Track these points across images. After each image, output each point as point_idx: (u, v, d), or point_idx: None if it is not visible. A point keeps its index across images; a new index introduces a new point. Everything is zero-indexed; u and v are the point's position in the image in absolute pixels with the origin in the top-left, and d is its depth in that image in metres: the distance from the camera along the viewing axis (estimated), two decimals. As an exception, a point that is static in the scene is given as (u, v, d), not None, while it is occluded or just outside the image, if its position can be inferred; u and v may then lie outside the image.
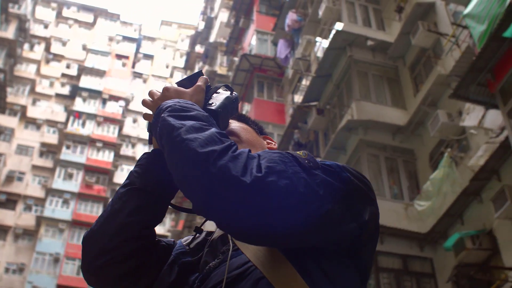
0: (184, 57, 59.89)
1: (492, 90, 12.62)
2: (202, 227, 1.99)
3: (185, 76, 1.95)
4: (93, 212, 51.98)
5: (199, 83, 1.87)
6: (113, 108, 59.90)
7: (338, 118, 20.79)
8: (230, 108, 1.85)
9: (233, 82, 31.79)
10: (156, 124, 1.67)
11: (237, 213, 1.42)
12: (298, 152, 1.59)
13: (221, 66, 40.32)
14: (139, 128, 61.77)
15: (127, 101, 61.78)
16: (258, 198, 1.41)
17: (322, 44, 22.81)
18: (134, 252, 1.79)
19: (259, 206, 1.41)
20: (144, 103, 1.88)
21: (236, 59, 34.64)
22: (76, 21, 66.25)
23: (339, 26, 20.83)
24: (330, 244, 1.56)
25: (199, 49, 50.75)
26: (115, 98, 60.43)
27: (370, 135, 19.03)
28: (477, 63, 12.32)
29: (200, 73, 1.92)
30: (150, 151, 1.92)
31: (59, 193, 51.81)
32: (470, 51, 14.41)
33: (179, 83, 1.89)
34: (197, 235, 1.98)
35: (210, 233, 1.95)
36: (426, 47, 18.52)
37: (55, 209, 50.91)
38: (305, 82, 24.95)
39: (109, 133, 57.99)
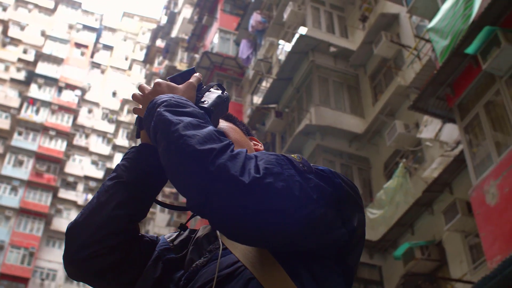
0: (144, 51, 59.32)
1: (450, 105, 12.81)
2: (187, 225, 1.98)
3: (177, 73, 1.93)
4: (42, 201, 51.13)
5: (191, 80, 1.85)
6: (69, 97, 59.02)
7: (296, 122, 20.86)
8: (221, 108, 1.85)
9: (193, 79, 31.58)
10: (149, 118, 1.65)
11: (233, 213, 1.42)
12: (292, 155, 1.60)
13: (181, 62, 40.06)
14: (94, 119, 61.05)
15: (84, 91, 60.98)
16: (255, 199, 1.42)
17: (285, 47, 22.84)
18: (118, 246, 1.77)
19: (256, 207, 1.42)
20: (134, 97, 1.86)
21: (197, 56, 34.49)
22: (36, 6, 64.96)
23: (303, 30, 20.89)
24: (320, 249, 1.57)
25: (160, 43, 50.37)
26: (72, 87, 59.56)
27: (327, 140, 19.15)
28: (438, 77, 12.49)
29: (192, 71, 1.90)
30: (138, 145, 1.90)
31: (7, 179, 50.84)
32: (431, 65, 14.60)
33: (171, 79, 1.88)
34: (181, 232, 1.96)
35: (193, 231, 1.94)
36: (388, 58, 18.73)
37: (3, 196, 49.94)
38: (265, 84, 24.97)
39: (63, 122, 57.13)
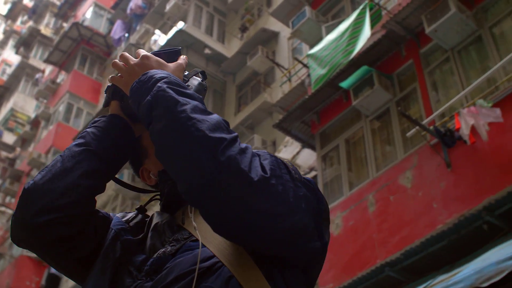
0: (9, 5, 55.97)
1: (313, 131, 13.11)
2: (145, 208, 1.87)
3: (161, 49, 1.82)
4: None
5: (180, 61, 1.78)
6: None
7: (156, 114, 20.47)
8: (202, 95, 1.76)
9: (56, 47, 30.41)
10: (142, 91, 1.56)
11: (232, 207, 1.40)
12: (285, 160, 1.60)
13: (46, 27, 38.37)
14: None
15: None
16: (258, 198, 1.40)
17: (160, 38, 22.45)
18: (77, 217, 1.64)
19: (256, 206, 1.40)
20: (115, 65, 1.75)
21: (66, 25, 33.18)
22: None
23: (182, 25, 20.65)
24: (295, 257, 1.55)
25: (27, 1, 47.87)
26: None
27: (183, 139, 18.93)
28: (308, 102, 12.75)
29: (178, 52, 1.82)
30: (109, 115, 1.81)
31: None
32: (301, 89, 14.90)
33: (155, 54, 1.78)
34: (138, 214, 1.85)
35: (147, 216, 1.84)
36: (259, 72, 18.92)
37: None
38: (131, 70, 24.38)
39: None
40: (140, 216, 1.84)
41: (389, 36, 11.57)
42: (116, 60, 1.76)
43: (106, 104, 1.82)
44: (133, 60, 1.72)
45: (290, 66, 17.14)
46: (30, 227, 1.59)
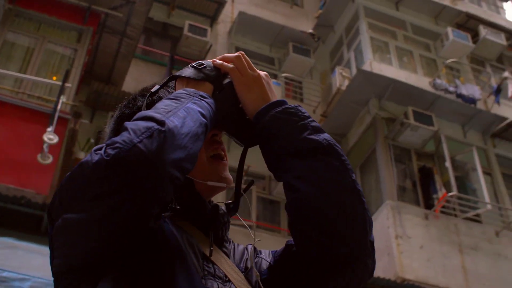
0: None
1: None
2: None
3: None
4: None
5: None
6: None
7: None
8: None
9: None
10: (305, 127, 1.43)
11: (350, 279, 1.42)
12: None
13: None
14: None
15: None
16: (365, 281, 1.48)
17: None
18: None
19: None
20: (240, 61, 1.53)
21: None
22: None
23: None
24: None
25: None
26: None
27: None
28: None
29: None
30: (210, 98, 1.47)
31: None
32: None
33: None
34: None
35: None
36: None
37: None
38: None
39: None
40: None
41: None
42: (243, 56, 1.54)
43: (197, 78, 1.51)
44: (259, 71, 1.54)
45: None
46: (158, 174, 1.20)
